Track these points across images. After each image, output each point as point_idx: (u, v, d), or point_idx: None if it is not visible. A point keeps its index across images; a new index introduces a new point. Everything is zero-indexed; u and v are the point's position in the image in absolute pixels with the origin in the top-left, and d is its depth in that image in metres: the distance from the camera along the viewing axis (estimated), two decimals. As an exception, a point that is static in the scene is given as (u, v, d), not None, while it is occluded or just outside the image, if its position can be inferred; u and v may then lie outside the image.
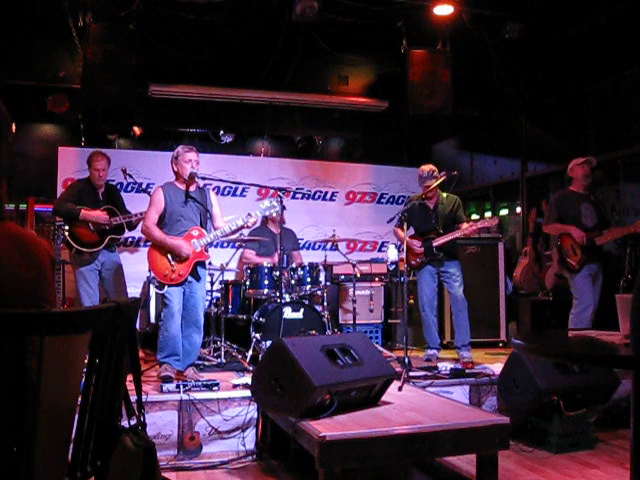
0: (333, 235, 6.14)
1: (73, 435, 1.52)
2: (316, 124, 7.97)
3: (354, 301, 5.88)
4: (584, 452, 3.97)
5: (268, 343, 4.88)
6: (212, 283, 5.69)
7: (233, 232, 4.66)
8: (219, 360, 5.19)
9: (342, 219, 7.60)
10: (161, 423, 3.89)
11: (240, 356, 5.34)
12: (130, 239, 6.72)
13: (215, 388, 4.07)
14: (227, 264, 5.83)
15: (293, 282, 5.51)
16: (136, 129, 8.10)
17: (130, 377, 1.71)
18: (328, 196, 7.77)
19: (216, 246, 5.83)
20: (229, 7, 5.32)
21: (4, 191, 1.59)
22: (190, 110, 7.07)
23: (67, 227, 5.00)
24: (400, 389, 3.98)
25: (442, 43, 5.94)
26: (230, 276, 6.34)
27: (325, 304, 5.77)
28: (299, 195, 7.61)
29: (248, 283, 5.48)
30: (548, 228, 5.47)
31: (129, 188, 6.60)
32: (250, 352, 5.08)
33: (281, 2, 5.36)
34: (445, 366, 4.87)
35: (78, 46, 5.60)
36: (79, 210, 5.02)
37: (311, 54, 6.20)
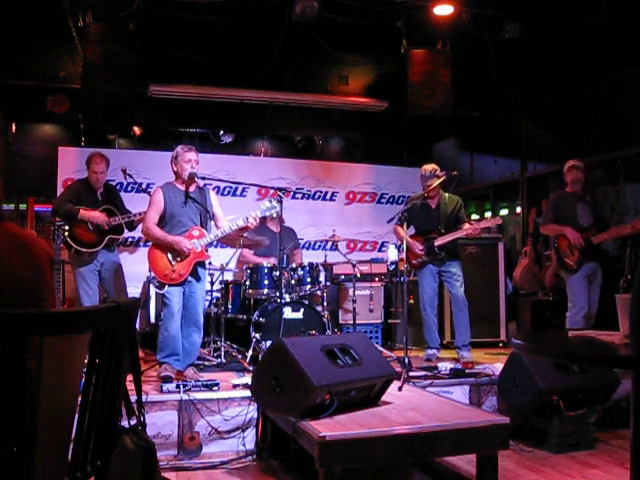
0: (333, 235, 6.14)
1: (73, 435, 1.52)
2: (316, 124, 7.97)
3: (354, 301, 5.88)
4: (584, 452, 3.97)
5: (268, 343, 4.88)
6: (212, 283, 5.69)
7: (234, 233, 4.65)
8: (219, 360, 5.19)
9: (342, 219, 7.60)
10: (161, 423, 3.89)
11: (240, 356, 5.34)
12: (130, 239, 6.72)
13: (215, 388, 4.07)
14: (227, 264, 5.83)
15: (293, 282, 5.51)
16: (136, 129, 8.10)
17: (130, 377, 1.71)
18: (328, 196, 7.77)
19: (216, 246, 5.83)
20: (229, 7, 5.31)
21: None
22: (190, 110, 7.07)
23: (67, 227, 5.00)
24: (400, 389, 3.98)
25: (442, 43, 5.93)
26: (230, 276, 6.34)
27: (325, 304, 5.77)
28: (299, 195, 7.62)
29: (248, 283, 5.48)
30: (545, 229, 5.51)
31: (129, 188, 6.60)
32: (250, 352, 5.08)
33: (281, 2, 5.36)
34: (445, 366, 4.86)
35: (78, 46, 5.60)
36: (78, 210, 5.02)
37: (311, 54, 6.20)
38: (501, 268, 6.65)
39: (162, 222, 4.51)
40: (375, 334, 6.39)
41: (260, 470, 3.76)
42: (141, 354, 5.50)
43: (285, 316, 5.00)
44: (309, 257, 6.56)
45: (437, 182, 5.18)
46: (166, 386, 4.06)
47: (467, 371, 4.76)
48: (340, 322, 6.37)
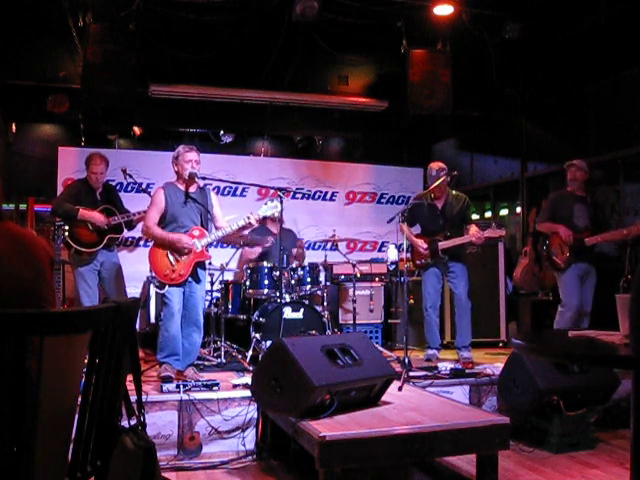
0: (333, 235, 6.14)
1: (73, 435, 1.52)
2: (316, 124, 7.96)
3: (354, 301, 5.88)
4: (584, 452, 3.97)
5: (268, 343, 4.88)
6: (212, 283, 5.69)
7: (234, 233, 4.65)
8: (219, 360, 5.19)
9: (342, 219, 7.60)
10: (161, 423, 3.89)
11: (240, 356, 5.34)
12: (130, 239, 6.72)
13: (215, 388, 4.07)
14: (227, 264, 5.83)
15: (293, 282, 5.51)
16: (136, 129, 8.09)
17: (130, 377, 1.71)
18: (328, 196, 7.77)
19: (216, 246, 5.83)
20: (229, 7, 5.31)
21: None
22: (190, 110, 7.07)
23: (67, 227, 5.00)
24: (400, 389, 3.98)
25: (442, 43, 5.93)
26: (230, 276, 6.34)
27: (325, 304, 5.77)
28: (299, 195, 7.62)
29: (248, 283, 5.48)
30: (540, 226, 5.53)
31: (129, 188, 6.60)
32: (250, 352, 5.09)
33: (281, 2, 5.36)
34: (445, 366, 4.87)
35: (78, 46, 5.60)
36: (77, 210, 5.02)
37: (311, 54, 6.19)
38: (501, 268, 6.66)
39: (163, 222, 4.51)
40: (375, 334, 6.39)
41: (260, 470, 3.76)
42: (141, 354, 5.50)
43: (285, 316, 5.00)
44: (309, 257, 6.56)
45: (436, 183, 5.18)
46: (166, 386, 4.06)
47: (467, 371, 4.76)
48: (340, 322, 6.37)
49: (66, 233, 4.97)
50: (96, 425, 1.53)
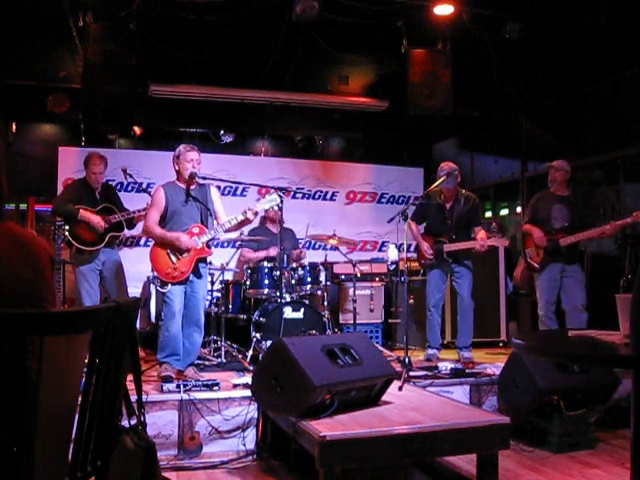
0: (333, 235, 6.13)
1: (73, 435, 1.52)
2: (316, 124, 7.96)
3: (354, 301, 5.88)
4: (584, 452, 3.98)
5: (268, 343, 4.88)
6: (212, 283, 5.68)
7: (235, 228, 4.66)
8: (219, 360, 5.19)
9: (342, 219, 7.60)
10: (161, 423, 3.89)
11: (240, 356, 5.34)
12: (131, 238, 6.73)
13: (215, 388, 4.07)
14: (227, 264, 5.83)
15: (293, 282, 5.51)
16: (136, 129, 8.09)
17: (130, 377, 1.71)
18: (328, 196, 7.77)
19: (216, 246, 5.83)
20: (229, 7, 5.31)
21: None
22: (190, 110, 7.07)
23: (67, 227, 5.01)
24: (400, 389, 3.98)
25: (442, 43, 5.93)
26: (230, 276, 6.34)
27: (325, 304, 5.76)
28: (299, 195, 7.62)
29: (248, 283, 5.48)
30: (523, 228, 5.60)
31: (129, 188, 6.60)
32: (250, 352, 5.08)
33: (281, 2, 5.35)
34: (445, 366, 4.87)
35: (78, 46, 5.61)
36: (78, 210, 5.03)
37: (311, 54, 6.19)
38: (501, 268, 6.66)
39: (163, 221, 4.52)
40: (375, 334, 6.39)
41: (260, 470, 3.76)
42: (141, 354, 5.50)
43: (285, 316, 5.00)
44: (309, 257, 6.56)
45: (436, 183, 5.19)
46: (166, 386, 4.06)
47: (467, 371, 4.76)
48: (340, 322, 6.37)
49: (66, 233, 4.98)
50: (96, 425, 1.53)
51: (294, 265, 5.67)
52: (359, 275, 6.08)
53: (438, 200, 5.39)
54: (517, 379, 4.15)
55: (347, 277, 6.39)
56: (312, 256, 6.68)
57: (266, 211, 6.07)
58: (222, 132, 8.21)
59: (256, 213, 4.59)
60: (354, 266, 5.96)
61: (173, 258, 4.43)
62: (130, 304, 1.61)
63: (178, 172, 4.58)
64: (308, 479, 3.22)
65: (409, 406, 3.54)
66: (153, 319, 6.25)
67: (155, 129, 8.21)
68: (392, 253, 6.84)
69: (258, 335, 5.10)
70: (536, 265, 5.32)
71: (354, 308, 5.87)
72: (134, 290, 6.22)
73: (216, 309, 5.73)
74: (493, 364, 5.00)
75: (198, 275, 4.52)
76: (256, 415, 4.01)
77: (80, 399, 1.51)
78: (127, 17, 5.19)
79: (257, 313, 5.33)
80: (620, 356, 1.89)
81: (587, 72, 6.06)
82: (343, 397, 3.31)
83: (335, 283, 6.47)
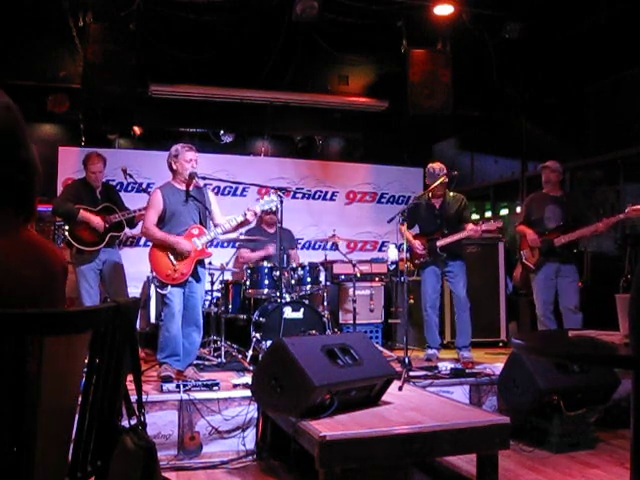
0: (333, 235, 6.13)
1: (73, 435, 1.52)
2: (316, 124, 7.97)
3: (354, 301, 5.88)
4: (584, 452, 3.97)
5: (268, 343, 4.88)
6: (212, 283, 5.69)
7: (233, 229, 4.66)
8: (219, 360, 5.19)
9: (342, 219, 7.60)
10: (161, 423, 3.89)
11: (240, 356, 5.34)
12: (131, 239, 6.72)
13: (215, 388, 4.07)
14: (227, 264, 5.83)
15: (293, 282, 5.51)
16: (136, 129, 8.09)
17: (130, 377, 1.71)
18: (328, 196, 7.77)
19: (216, 246, 5.82)
20: (229, 7, 5.32)
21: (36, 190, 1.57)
22: (190, 110, 7.07)
23: (67, 227, 5.01)
24: (400, 389, 3.98)
25: (442, 43, 5.94)
26: (230, 276, 6.34)
27: (325, 304, 5.76)
28: (299, 195, 7.61)
29: (248, 283, 5.48)
30: (517, 229, 5.63)
31: (129, 188, 6.60)
32: (250, 352, 5.08)
33: (281, 2, 5.36)
34: (445, 366, 4.87)
35: (78, 46, 5.61)
36: (78, 210, 5.03)
37: (311, 54, 6.20)
38: (501, 268, 6.66)
39: (162, 222, 4.51)
40: (375, 334, 6.39)
41: (260, 470, 3.76)
42: (141, 354, 5.50)
43: (285, 316, 4.99)
44: (309, 257, 6.56)
45: (436, 183, 5.20)
46: (166, 386, 4.06)
47: (467, 371, 4.76)
48: (340, 322, 6.36)
49: (66, 233, 4.98)
50: (96, 425, 1.53)
51: (294, 265, 5.67)
52: (359, 275, 6.08)
53: (427, 200, 5.42)
54: (517, 379, 4.15)
55: (347, 277, 6.39)
56: (312, 256, 6.68)
57: (262, 214, 6.07)
58: (222, 132, 8.22)
59: (256, 214, 4.59)
60: (354, 266, 5.96)
61: (173, 260, 4.43)
62: (130, 304, 1.61)
63: (176, 172, 4.56)
64: (308, 479, 3.22)
65: (409, 406, 3.54)
66: (153, 319, 6.25)
67: (155, 129, 8.22)
68: (392, 253, 6.85)
69: (258, 335, 5.09)
70: (532, 266, 5.34)
71: (354, 308, 5.87)
72: (134, 290, 6.22)
73: (216, 309, 5.73)
74: (493, 364, 5.00)
75: (197, 278, 4.52)
76: (256, 415, 4.01)
77: (80, 399, 1.51)
78: (127, 17, 5.20)
79: (257, 313, 5.33)
80: (620, 356, 1.89)
81: (587, 72, 6.06)
82: (343, 397, 3.31)
83: (335, 283, 6.47)
